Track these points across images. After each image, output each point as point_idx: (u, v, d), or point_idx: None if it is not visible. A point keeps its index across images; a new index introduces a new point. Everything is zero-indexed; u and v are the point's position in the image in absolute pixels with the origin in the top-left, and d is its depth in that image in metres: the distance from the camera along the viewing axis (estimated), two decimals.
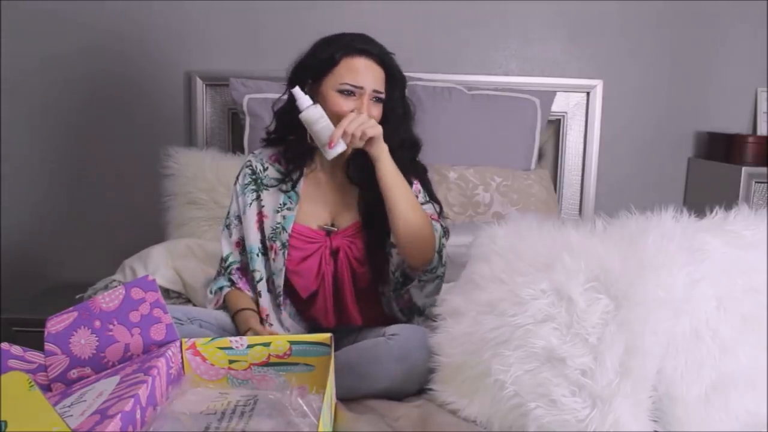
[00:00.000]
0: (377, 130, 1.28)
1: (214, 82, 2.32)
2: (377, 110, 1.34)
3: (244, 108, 2.16)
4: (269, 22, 2.32)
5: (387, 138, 1.33)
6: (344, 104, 1.32)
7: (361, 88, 1.31)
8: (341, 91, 1.32)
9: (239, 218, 1.44)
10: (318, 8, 2.29)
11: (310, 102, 1.30)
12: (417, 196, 1.38)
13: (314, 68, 1.35)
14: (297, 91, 1.30)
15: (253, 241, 1.41)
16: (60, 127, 2.36)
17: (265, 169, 1.44)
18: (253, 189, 1.43)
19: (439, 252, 1.37)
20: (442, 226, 1.40)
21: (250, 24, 2.33)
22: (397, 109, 1.38)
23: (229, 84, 2.19)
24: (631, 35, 2.39)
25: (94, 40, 2.31)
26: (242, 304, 1.41)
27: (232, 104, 2.25)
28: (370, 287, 1.41)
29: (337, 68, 1.32)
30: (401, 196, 1.31)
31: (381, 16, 2.29)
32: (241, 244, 1.45)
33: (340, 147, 1.28)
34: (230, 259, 1.45)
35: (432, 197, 1.44)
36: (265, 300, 1.42)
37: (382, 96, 1.35)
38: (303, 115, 1.30)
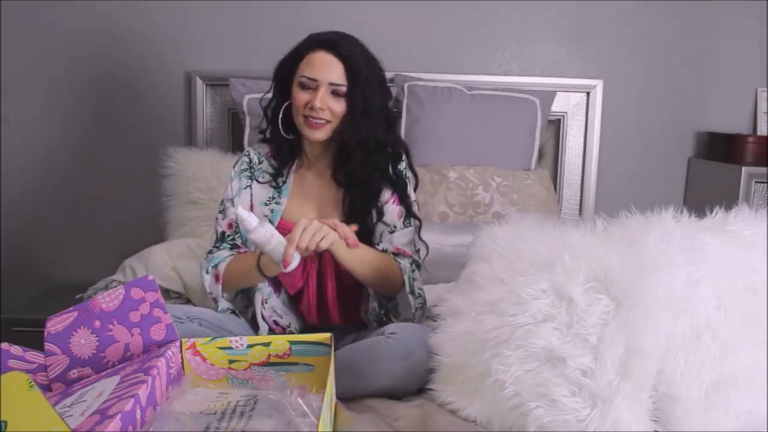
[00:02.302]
0: (330, 240, 1.22)
1: (214, 82, 2.32)
2: (338, 105, 1.35)
3: (244, 108, 2.16)
4: (269, 22, 2.32)
5: (346, 135, 1.36)
6: (301, 96, 1.35)
7: (315, 80, 1.33)
8: (300, 84, 1.35)
9: (232, 201, 1.44)
10: (318, 8, 2.29)
11: (256, 221, 1.20)
12: (393, 227, 1.41)
13: (288, 65, 1.39)
14: (240, 211, 1.19)
15: None
16: (60, 127, 2.36)
17: (260, 162, 1.47)
18: (247, 176, 1.45)
19: (411, 292, 1.39)
20: (412, 261, 1.42)
21: (249, 24, 2.33)
22: (356, 105, 1.35)
23: (229, 84, 2.20)
24: (631, 35, 2.39)
25: (94, 41, 2.31)
26: (252, 255, 1.36)
27: (232, 104, 2.25)
28: (355, 287, 1.41)
29: (301, 63, 1.36)
30: (363, 272, 1.34)
31: (381, 16, 2.29)
32: (234, 226, 1.44)
33: (296, 261, 1.20)
34: (228, 235, 1.44)
35: (409, 212, 1.44)
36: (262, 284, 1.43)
37: (343, 89, 1.34)
38: (252, 237, 1.20)
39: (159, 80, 2.34)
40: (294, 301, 1.46)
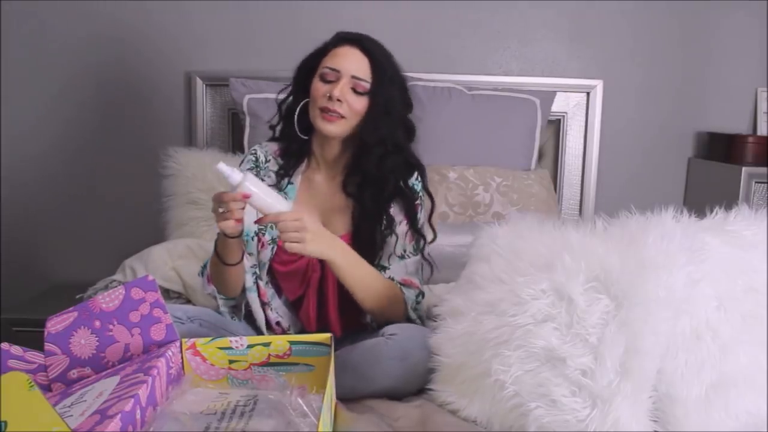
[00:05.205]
0: (295, 248, 1.20)
1: (214, 82, 2.32)
2: (357, 101, 1.32)
3: (244, 108, 2.16)
4: (269, 22, 2.32)
5: (366, 133, 1.33)
6: (321, 88, 1.32)
7: (338, 71, 1.31)
8: (321, 76, 1.33)
9: None
10: (317, 8, 2.29)
11: (240, 176, 1.15)
12: (403, 251, 1.38)
13: (310, 62, 1.37)
14: (223, 167, 1.15)
15: (249, 224, 1.37)
16: (60, 127, 2.36)
17: (267, 161, 1.44)
18: (254, 174, 1.41)
19: (412, 319, 1.36)
20: (419, 293, 1.39)
21: (249, 24, 2.33)
22: (378, 104, 1.33)
23: (229, 84, 2.20)
24: (631, 35, 2.39)
25: (94, 41, 2.31)
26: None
27: (232, 104, 2.25)
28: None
29: (325, 58, 1.34)
30: (363, 296, 1.32)
31: (381, 16, 2.29)
32: (240, 227, 1.42)
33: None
34: None
35: (419, 235, 1.40)
36: (262, 284, 1.40)
37: (365, 84, 1.32)
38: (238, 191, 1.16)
39: (159, 80, 2.34)
40: (294, 308, 1.44)
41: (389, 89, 1.34)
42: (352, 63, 1.32)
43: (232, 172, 1.15)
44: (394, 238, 1.38)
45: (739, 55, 2.41)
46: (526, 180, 2.13)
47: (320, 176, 1.44)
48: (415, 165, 1.42)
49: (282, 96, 1.45)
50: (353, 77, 1.31)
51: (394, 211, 1.39)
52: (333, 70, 1.31)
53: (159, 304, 1.02)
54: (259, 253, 1.40)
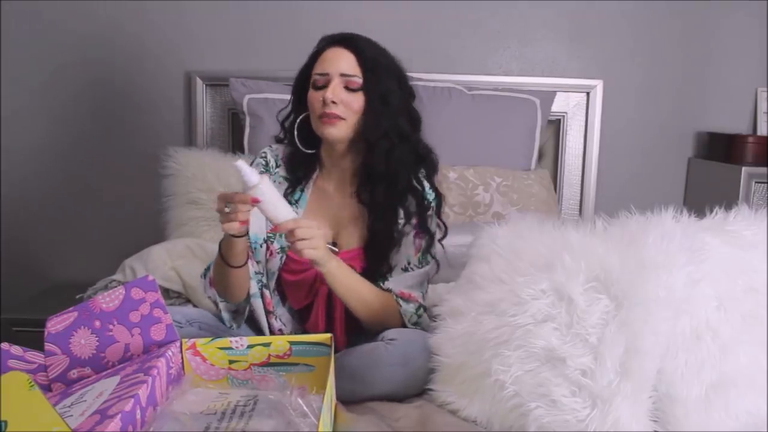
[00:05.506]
0: (309, 254, 1.19)
1: (214, 82, 2.32)
2: (354, 99, 1.30)
3: (244, 108, 2.16)
4: (269, 22, 2.32)
5: (367, 129, 1.31)
6: (316, 96, 1.30)
7: (327, 74, 1.30)
8: (314, 84, 1.32)
9: None
10: (317, 8, 2.29)
11: (258, 179, 1.13)
12: (407, 264, 1.35)
13: (303, 74, 1.36)
14: (242, 165, 1.13)
15: (257, 230, 1.35)
16: (60, 127, 2.36)
17: (277, 166, 1.42)
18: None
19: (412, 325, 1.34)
20: (419, 306, 1.35)
21: (249, 24, 2.33)
22: (373, 96, 1.30)
23: (229, 84, 2.20)
24: (631, 35, 2.39)
25: (94, 41, 2.31)
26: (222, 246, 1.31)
27: (232, 104, 2.25)
28: None
29: (314, 66, 1.33)
30: (355, 307, 1.30)
31: (381, 16, 2.29)
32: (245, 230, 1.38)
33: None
34: None
35: (428, 246, 1.36)
36: (267, 292, 1.38)
37: (356, 80, 1.29)
38: (250, 194, 1.14)
39: (159, 81, 2.34)
40: (300, 319, 1.42)
41: (385, 81, 1.32)
42: (340, 62, 1.30)
43: (251, 172, 1.13)
44: (402, 247, 1.35)
45: (739, 55, 2.41)
46: (526, 180, 2.13)
47: (331, 186, 1.41)
48: (424, 156, 1.39)
49: (283, 114, 1.43)
50: (342, 75, 1.29)
51: (408, 226, 1.35)
52: (322, 75, 1.30)
53: (159, 304, 1.02)
54: (267, 261, 1.37)
